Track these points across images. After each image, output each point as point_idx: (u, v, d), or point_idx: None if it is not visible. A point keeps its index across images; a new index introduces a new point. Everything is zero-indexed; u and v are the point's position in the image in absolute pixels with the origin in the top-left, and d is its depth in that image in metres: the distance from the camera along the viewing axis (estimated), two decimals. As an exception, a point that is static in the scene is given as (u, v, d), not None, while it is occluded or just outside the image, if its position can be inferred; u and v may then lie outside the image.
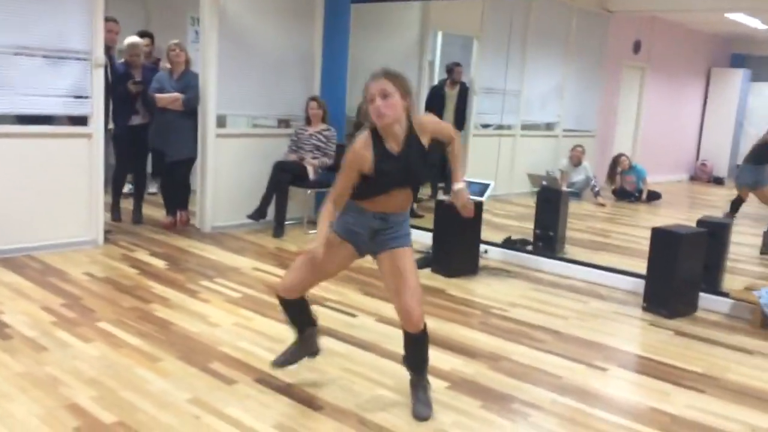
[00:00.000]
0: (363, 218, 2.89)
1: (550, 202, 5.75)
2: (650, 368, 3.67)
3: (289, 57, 6.65)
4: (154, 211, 6.72)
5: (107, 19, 5.48)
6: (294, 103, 6.69)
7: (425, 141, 2.87)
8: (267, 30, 6.43)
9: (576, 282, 5.28)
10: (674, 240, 4.52)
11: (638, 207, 7.65)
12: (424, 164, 2.86)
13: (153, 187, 7.28)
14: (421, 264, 5.08)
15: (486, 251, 5.67)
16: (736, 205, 6.29)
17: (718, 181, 7.90)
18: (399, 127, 2.79)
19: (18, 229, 5.10)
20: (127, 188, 6.77)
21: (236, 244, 5.95)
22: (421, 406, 2.98)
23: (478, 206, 5.37)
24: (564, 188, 6.11)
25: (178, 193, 6.29)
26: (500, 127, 7.39)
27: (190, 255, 5.51)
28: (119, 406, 2.89)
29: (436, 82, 7.76)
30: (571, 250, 5.86)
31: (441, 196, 5.62)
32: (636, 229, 6.74)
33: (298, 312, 3.13)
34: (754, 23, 6.86)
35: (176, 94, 5.91)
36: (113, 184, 6.38)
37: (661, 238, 4.60)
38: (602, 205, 7.57)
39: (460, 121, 7.36)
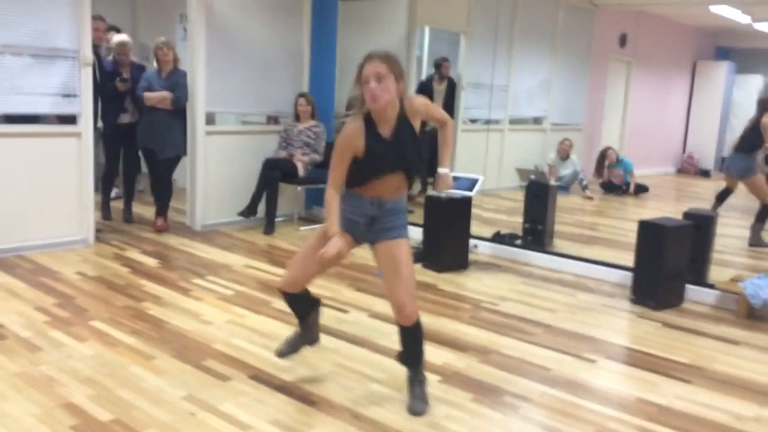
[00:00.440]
0: (359, 206, 2.91)
1: (539, 197, 5.80)
2: (638, 359, 3.74)
3: (278, 53, 6.66)
4: (145, 210, 6.72)
5: (94, 18, 5.48)
6: (283, 99, 6.71)
7: (416, 124, 2.89)
8: (255, 27, 6.44)
9: (565, 275, 5.34)
10: (661, 233, 4.58)
11: (626, 200, 7.72)
12: (415, 148, 2.87)
13: (140, 185, 7.27)
14: (412, 259, 5.12)
15: (476, 246, 5.72)
16: (722, 196, 6.33)
17: (705, 174, 7.97)
18: (391, 110, 2.80)
19: (8, 229, 5.10)
20: (114, 192, 6.75)
21: (227, 241, 5.97)
22: (416, 401, 3.01)
23: (467, 201, 5.43)
24: (552, 182, 6.17)
25: (159, 193, 6.22)
26: (488, 121, 7.44)
27: (181, 253, 5.52)
28: (115, 404, 2.92)
29: (423, 78, 7.80)
30: (559, 244, 5.92)
31: (430, 192, 5.66)
32: (624, 222, 6.81)
33: (301, 300, 3.17)
34: (737, 16, 6.93)
35: (165, 93, 5.91)
36: (103, 183, 6.38)
37: (648, 230, 4.66)
38: (590, 198, 7.64)
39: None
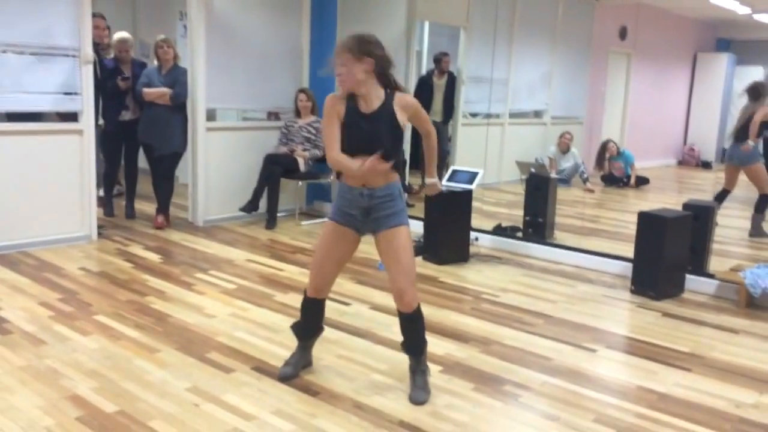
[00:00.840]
0: (352, 198, 2.97)
1: (539, 189, 5.82)
2: (638, 349, 3.76)
3: (278, 49, 6.68)
4: (147, 206, 6.75)
5: (95, 15, 5.50)
6: (283, 95, 6.73)
7: (401, 117, 2.94)
8: (255, 23, 6.46)
9: (565, 267, 5.36)
10: (660, 223, 4.60)
11: (627, 192, 7.75)
12: (391, 134, 2.92)
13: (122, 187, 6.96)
14: (412, 247, 5.15)
15: (477, 238, 5.74)
16: (720, 197, 6.29)
17: (706, 165, 7.99)
18: (365, 90, 2.89)
19: (11, 226, 5.13)
20: (116, 189, 6.73)
21: (229, 236, 6.00)
22: (418, 391, 3.05)
23: (468, 194, 5.46)
24: (553, 175, 6.19)
25: (160, 190, 6.24)
26: (488, 115, 7.46)
27: (183, 248, 5.55)
28: (120, 396, 2.95)
29: (423, 72, 7.82)
30: (560, 236, 5.95)
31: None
32: (624, 214, 6.83)
33: (315, 313, 3.21)
34: (737, 8, 6.94)
35: (164, 89, 5.93)
36: (105, 179, 6.41)
37: (648, 222, 4.68)
38: (591, 191, 7.66)
39: (449, 111, 7.44)
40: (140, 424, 2.73)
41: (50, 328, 3.70)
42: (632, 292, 4.73)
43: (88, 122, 5.42)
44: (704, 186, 7.57)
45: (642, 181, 7.78)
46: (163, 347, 3.51)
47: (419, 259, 5.33)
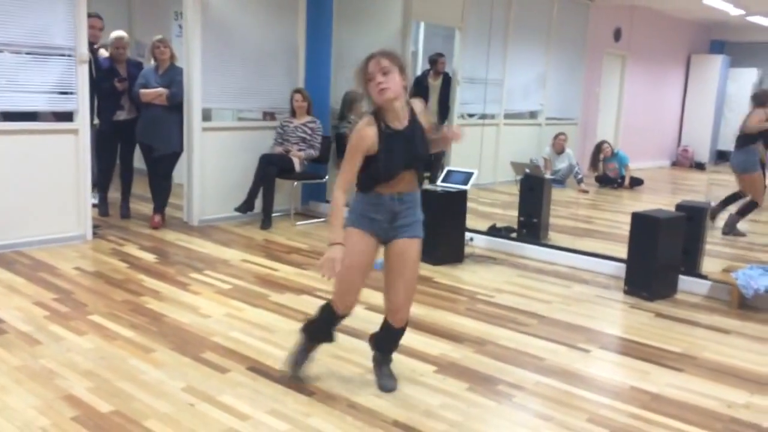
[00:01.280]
0: (380, 203, 2.87)
1: (534, 190, 5.85)
2: (631, 349, 3.78)
3: (273, 49, 6.69)
4: (143, 206, 6.75)
5: (90, 15, 5.50)
6: (279, 95, 6.74)
7: (425, 123, 2.92)
8: (250, 23, 6.47)
9: (559, 267, 5.39)
10: (653, 224, 4.62)
11: (621, 193, 7.77)
12: (424, 142, 2.89)
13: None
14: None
15: (471, 239, 5.76)
16: (729, 200, 6.30)
17: (700, 167, 8.01)
18: (399, 104, 2.80)
19: (6, 226, 5.13)
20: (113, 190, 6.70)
21: (224, 236, 6.00)
22: (387, 379, 3.10)
23: (463, 195, 5.47)
24: (547, 176, 6.21)
25: (157, 190, 6.24)
26: (483, 116, 7.48)
27: (178, 248, 5.56)
28: (115, 396, 2.96)
29: (419, 73, 7.83)
30: (554, 237, 5.97)
31: (426, 186, 5.70)
32: (618, 215, 6.86)
33: (330, 325, 3.13)
34: (731, 9, 6.97)
35: (161, 89, 5.94)
36: (99, 179, 6.40)
37: (641, 222, 4.70)
38: (585, 192, 7.69)
39: (444, 112, 7.45)
40: (135, 424, 2.74)
41: (45, 328, 3.70)
42: (626, 292, 4.75)
43: (83, 122, 5.42)
44: (698, 187, 7.59)
45: (636, 182, 7.81)
46: (159, 347, 3.52)
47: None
